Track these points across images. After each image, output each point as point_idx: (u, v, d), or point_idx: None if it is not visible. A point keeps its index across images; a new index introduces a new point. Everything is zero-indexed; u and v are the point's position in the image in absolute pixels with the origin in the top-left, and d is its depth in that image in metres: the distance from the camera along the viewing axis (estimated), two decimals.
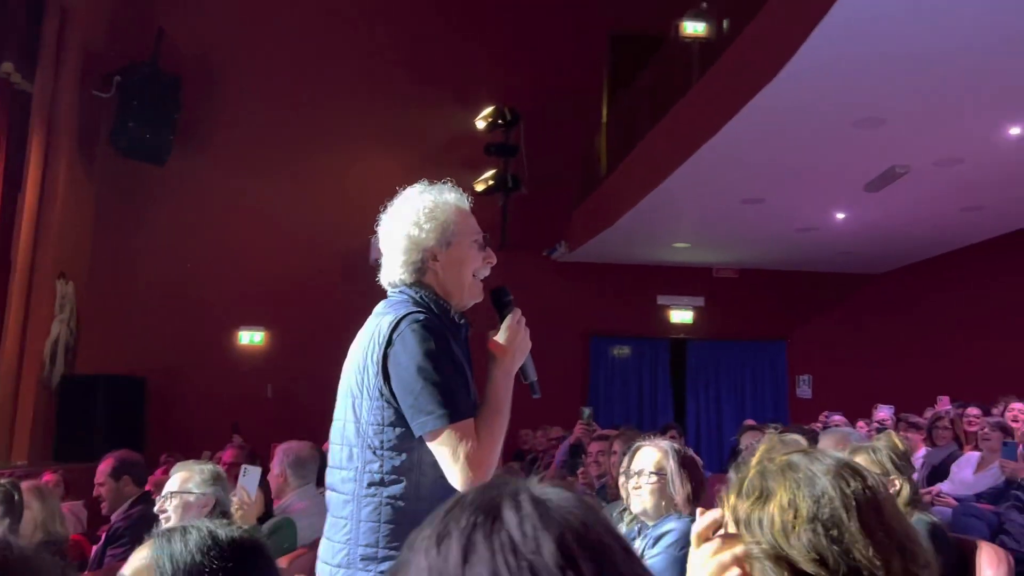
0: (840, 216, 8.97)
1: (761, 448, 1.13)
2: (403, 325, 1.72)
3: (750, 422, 7.76)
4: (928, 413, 6.93)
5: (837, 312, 11.43)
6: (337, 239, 10.26)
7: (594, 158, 10.38)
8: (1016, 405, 6.10)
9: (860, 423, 7.80)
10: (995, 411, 6.63)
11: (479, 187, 10.28)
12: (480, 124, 10.55)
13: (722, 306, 11.28)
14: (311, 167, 10.44)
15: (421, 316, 1.74)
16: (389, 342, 1.71)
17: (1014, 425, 5.55)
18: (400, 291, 1.85)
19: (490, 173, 10.25)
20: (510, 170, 10.34)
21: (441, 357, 1.70)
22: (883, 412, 8.36)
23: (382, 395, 1.71)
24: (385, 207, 1.88)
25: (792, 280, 11.37)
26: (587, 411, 5.53)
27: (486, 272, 1.90)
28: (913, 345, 11.07)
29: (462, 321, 1.86)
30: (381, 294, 1.94)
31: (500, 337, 1.82)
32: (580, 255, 10.55)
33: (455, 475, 1.65)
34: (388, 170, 10.36)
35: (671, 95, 7.85)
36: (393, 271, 1.86)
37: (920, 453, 6.07)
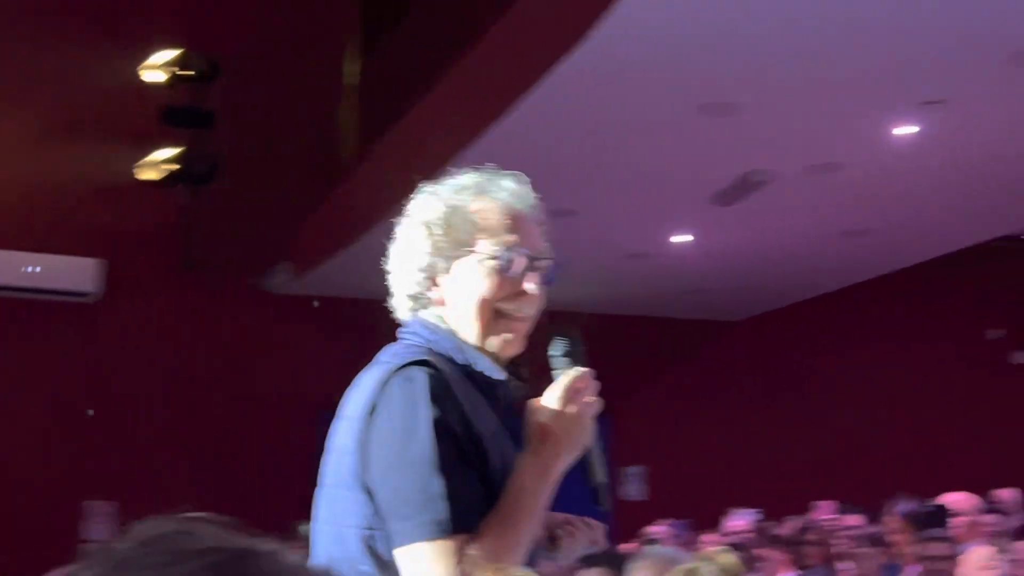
0: (682, 239, 9.42)
1: None
2: (392, 384, 1.80)
3: None
4: (795, 522, 7.30)
5: (683, 376, 11.95)
6: None
7: (335, 137, 10.37)
8: (905, 507, 6.54)
9: (708, 536, 8.10)
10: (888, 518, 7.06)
11: (147, 174, 10.08)
12: (153, 77, 10.27)
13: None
14: None
15: (420, 370, 1.80)
16: (372, 408, 1.80)
17: (895, 538, 5.92)
18: (412, 332, 1.95)
19: (168, 153, 10.00)
20: (202, 150, 10.08)
21: (441, 433, 1.75)
22: (739, 520, 8.74)
23: (362, 485, 1.80)
24: None
25: (619, 329, 11.72)
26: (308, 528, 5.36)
27: (523, 309, 1.93)
28: (791, 423, 11.77)
29: (499, 377, 1.91)
30: None
31: (547, 407, 1.85)
32: (311, 286, 10.48)
33: None
34: None
35: (453, 45, 7.93)
36: (395, 301, 2.00)
37: None
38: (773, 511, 8.79)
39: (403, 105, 8.76)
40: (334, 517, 1.86)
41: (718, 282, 10.70)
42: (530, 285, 1.92)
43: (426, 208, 1.97)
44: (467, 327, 1.92)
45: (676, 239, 9.48)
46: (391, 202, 8.28)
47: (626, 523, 10.86)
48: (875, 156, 7.52)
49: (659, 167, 7.77)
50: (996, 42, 5.84)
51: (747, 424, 11.75)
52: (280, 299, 10.66)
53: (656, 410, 11.80)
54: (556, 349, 1.93)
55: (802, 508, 9.02)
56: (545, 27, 6.52)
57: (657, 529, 7.67)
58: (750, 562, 6.61)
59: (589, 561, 4.51)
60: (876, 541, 5.68)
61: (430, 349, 1.89)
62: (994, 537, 6.04)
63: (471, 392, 1.86)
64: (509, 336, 1.93)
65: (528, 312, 1.94)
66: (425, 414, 1.76)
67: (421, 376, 1.80)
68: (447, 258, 1.92)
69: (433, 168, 8.44)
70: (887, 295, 11.72)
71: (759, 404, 11.86)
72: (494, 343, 1.93)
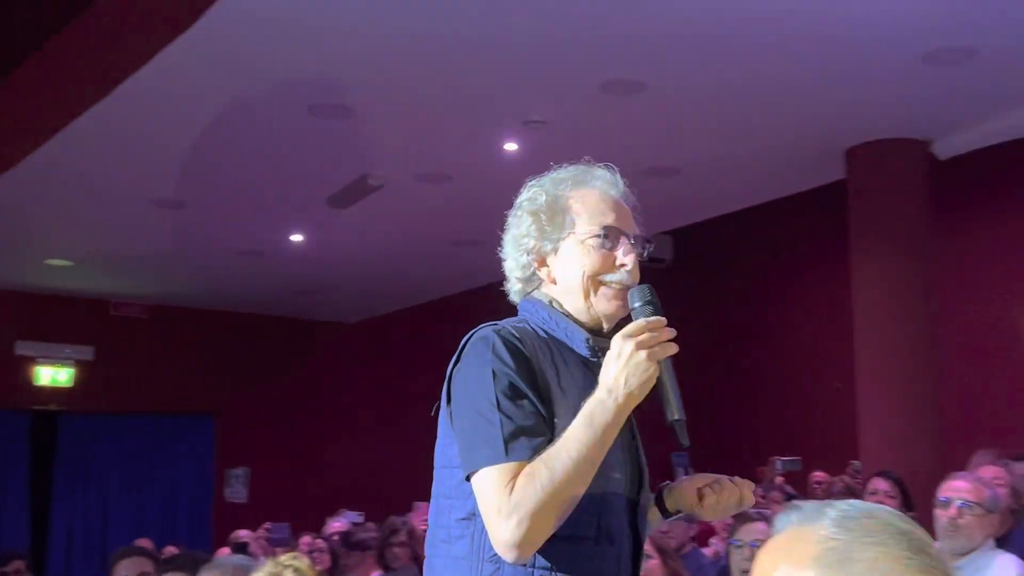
0: (296, 238, 9.50)
1: None
2: (468, 346, 2.10)
3: (144, 543, 7.63)
4: (390, 523, 7.46)
5: (291, 376, 11.98)
6: None
7: None
8: None
9: (306, 538, 8.14)
10: None
11: None
12: None
13: (121, 360, 11.25)
14: None
15: (492, 330, 2.08)
16: (456, 360, 2.11)
17: None
18: (521, 309, 2.26)
19: None
20: None
21: (508, 380, 2.00)
22: (340, 521, 8.85)
23: (448, 426, 2.09)
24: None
25: (231, 326, 11.64)
26: None
27: (622, 277, 2.16)
28: (398, 426, 12.00)
29: (589, 343, 2.16)
30: None
31: (611, 353, 2.02)
32: None
33: (490, 530, 1.92)
34: None
35: (53, 16, 7.56)
36: (509, 285, 2.30)
37: None
38: (377, 512, 8.97)
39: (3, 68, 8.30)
40: (436, 458, 2.16)
41: (332, 283, 10.82)
42: (626, 258, 2.18)
43: (532, 199, 2.24)
44: (574, 298, 2.20)
45: (292, 238, 9.50)
46: None
47: (226, 525, 10.76)
48: (483, 169, 7.80)
49: (273, 165, 7.78)
50: (589, 70, 6.24)
51: (354, 426, 11.93)
52: None
53: (262, 410, 11.77)
54: (635, 300, 2.10)
55: (406, 508, 9.26)
56: (149, 10, 6.35)
57: (244, 533, 7.62)
58: (341, 563, 6.73)
59: (169, 564, 4.43)
60: None
61: (527, 320, 2.19)
62: None
63: (561, 354, 2.13)
64: (612, 302, 2.18)
65: (627, 281, 2.17)
66: (489, 366, 2.02)
67: (492, 336, 2.06)
68: (553, 240, 2.20)
69: (14, 152, 7.92)
70: (495, 304, 12.27)
71: (367, 407, 12.08)
72: (599, 309, 2.19)
